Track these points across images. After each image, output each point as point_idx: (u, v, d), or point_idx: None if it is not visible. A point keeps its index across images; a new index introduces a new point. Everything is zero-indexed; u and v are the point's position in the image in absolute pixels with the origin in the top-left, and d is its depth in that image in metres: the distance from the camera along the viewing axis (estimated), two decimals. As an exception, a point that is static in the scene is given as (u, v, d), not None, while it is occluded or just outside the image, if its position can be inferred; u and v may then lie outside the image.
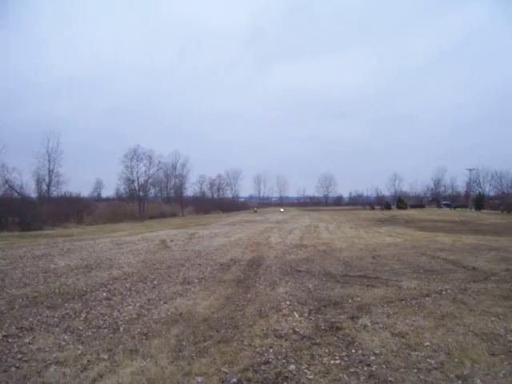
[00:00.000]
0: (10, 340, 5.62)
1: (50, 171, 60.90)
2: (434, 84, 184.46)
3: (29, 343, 5.51)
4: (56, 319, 6.64)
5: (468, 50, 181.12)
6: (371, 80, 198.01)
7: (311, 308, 7.19)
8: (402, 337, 5.57)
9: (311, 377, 4.39)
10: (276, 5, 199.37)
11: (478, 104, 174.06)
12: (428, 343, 5.28)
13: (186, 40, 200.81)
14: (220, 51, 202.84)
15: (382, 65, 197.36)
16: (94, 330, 6.08)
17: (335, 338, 5.61)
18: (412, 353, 4.96)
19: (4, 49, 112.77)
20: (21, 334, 5.88)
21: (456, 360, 4.70)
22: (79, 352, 5.16)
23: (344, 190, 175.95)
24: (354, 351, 5.09)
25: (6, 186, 47.66)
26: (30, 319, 6.62)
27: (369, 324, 6.20)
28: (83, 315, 6.87)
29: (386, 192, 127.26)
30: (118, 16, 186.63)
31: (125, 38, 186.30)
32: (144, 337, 5.75)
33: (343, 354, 5.02)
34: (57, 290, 8.75)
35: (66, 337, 5.77)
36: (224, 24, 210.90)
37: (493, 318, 6.34)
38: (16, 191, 47.98)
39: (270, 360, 4.85)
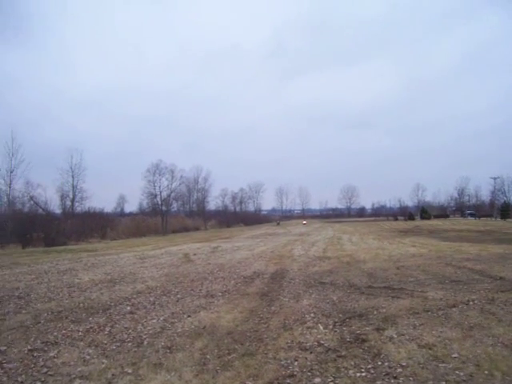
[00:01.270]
0: (35, 354, 5.66)
1: (74, 187, 61.88)
2: (456, 91, 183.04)
3: (54, 357, 5.54)
4: (80, 333, 6.67)
5: (490, 55, 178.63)
6: (392, 90, 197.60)
7: (336, 320, 7.08)
8: (429, 348, 5.44)
9: (337, 390, 4.32)
10: (296, 19, 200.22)
11: (501, 110, 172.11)
12: (456, 355, 5.14)
13: (206, 57, 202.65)
14: (240, 66, 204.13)
15: (402, 74, 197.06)
16: (118, 344, 6.08)
17: (361, 350, 5.50)
18: (440, 365, 4.84)
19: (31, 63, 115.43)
20: (46, 348, 5.91)
21: (486, 372, 4.57)
22: (103, 366, 5.16)
23: (367, 201, 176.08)
24: (380, 363, 4.99)
25: (31, 202, 48.55)
26: (55, 333, 6.66)
27: (395, 336, 6.09)
28: (107, 329, 6.89)
29: (409, 202, 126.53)
30: (137, 35, 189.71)
31: (144, 57, 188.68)
32: (168, 350, 5.73)
33: (369, 366, 4.93)
34: (81, 305, 8.80)
35: (91, 351, 5.78)
36: (244, 39, 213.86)
37: (523, 329, 6.19)
38: (41, 207, 48.76)
39: (295, 373, 4.78)
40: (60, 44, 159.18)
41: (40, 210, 47.76)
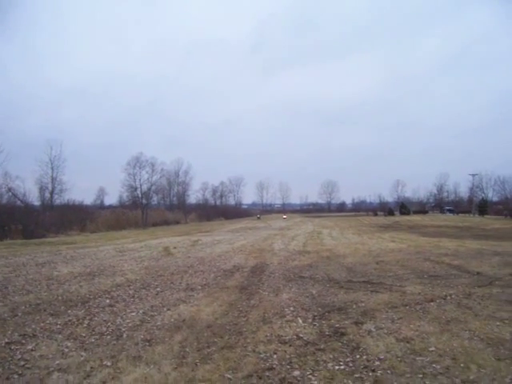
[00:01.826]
0: (12, 347, 5.60)
1: (53, 179, 61.32)
2: (438, 90, 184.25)
3: (31, 350, 5.49)
4: (59, 326, 6.62)
5: (471, 56, 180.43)
6: (374, 86, 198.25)
7: (315, 314, 7.15)
8: (407, 342, 5.53)
9: (316, 383, 4.36)
10: (280, 13, 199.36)
11: (480, 110, 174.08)
12: (433, 348, 5.23)
13: (189, 48, 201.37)
14: (224, 59, 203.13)
15: (386, 71, 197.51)
16: (97, 337, 6.05)
17: (339, 344, 5.57)
18: (417, 358, 4.92)
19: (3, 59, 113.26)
20: (24, 341, 5.86)
21: (462, 365, 4.66)
22: (82, 359, 5.13)
23: (347, 197, 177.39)
24: (358, 357, 5.06)
25: (9, 193, 47.79)
26: (33, 326, 6.60)
27: (373, 329, 6.16)
28: (86, 322, 6.85)
29: (389, 198, 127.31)
30: (121, 24, 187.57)
31: (128, 46, 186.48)
32: (147, 343, 5.73)
33: (348, 359, 4.99)
34: (60, 297, 8.73)
35: (69, 343, 5.75)
36: (228, 32, 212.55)
37: (498, 323, 6.30)
38: (19, 199, 48.09)
39: (274, 366, 4.82)
40: (41, 32, 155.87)
41: (18, 202, 47.12)
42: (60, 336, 6.11)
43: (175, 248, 20.28)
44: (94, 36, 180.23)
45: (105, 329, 6.46)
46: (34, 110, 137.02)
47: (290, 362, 4.92)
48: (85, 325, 6.70)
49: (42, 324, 6.73)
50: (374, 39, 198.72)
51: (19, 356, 5.26)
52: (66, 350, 5.50)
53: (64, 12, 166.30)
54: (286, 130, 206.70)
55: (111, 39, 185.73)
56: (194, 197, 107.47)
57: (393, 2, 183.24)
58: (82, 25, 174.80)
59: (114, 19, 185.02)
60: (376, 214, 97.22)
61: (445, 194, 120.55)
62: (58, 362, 5.03)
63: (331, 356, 5.11)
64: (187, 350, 5.44)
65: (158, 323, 6.73)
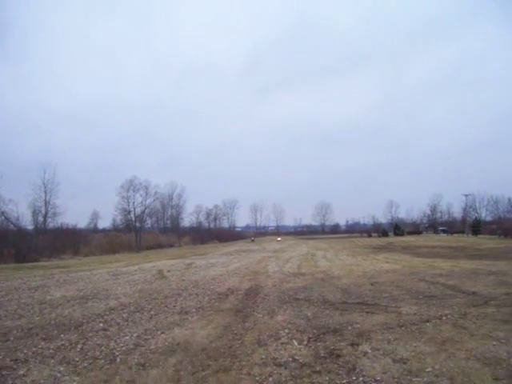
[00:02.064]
0: (3, 372, 5.53)
1: (47, 202, 61.27)
2: (431, 111, 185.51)
3: (23, 375, 5.42)
4: (51, 350, 6.54)
5: (464, 78, 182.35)
6: (368, 108, 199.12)
7: (310, 336, 7.10)
8: (404, 363, 5.50)
9: (312, 405, 4.33)
10: (276, 35, 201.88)
11: (473, 130, 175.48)
12: (430, 369, 5.21)
13: (183, 72, 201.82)
14: (218, 82, 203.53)
15: (379, 93, 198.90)
16: (91, 361, 5.98)
17: (335, 366, 5.53)
18: (414, 379, 4.89)
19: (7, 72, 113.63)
20: (15, 366, 5.79)
21: (459, 385, 4.64)
22: (75, 383, 5.07)
23: (341, 218, 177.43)
24: (354, 378, 5.02)
25: (2, 217, 47.66)
26: (25, 351, 6.53)
27: (369, 350, 6.13)
28: (79, 346, 6.78)
29: (383, 219, 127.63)
30: (115, 49, 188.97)
31: (121, 70, 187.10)
32: (141, 367, 5.67)
33: (344, 381, 4.95)
34: (52, 322, 8.65)
35: (62, 368, 5.68)
36: (222, 55, 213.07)
37: (494, 343, 6.28)
38: (12, 223, 47.95)
39: (270, 389, 4.77)
40: (37, 55, 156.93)
41: (11, 226, 46.95)
42: (52, 361, 6.04)
43: (169, 271, 20.15)
44: (87, 60, 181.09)
45: (98, 353, 6.39)
46: (28, 134, 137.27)
47: (286, 385, 4.88)
48: (78, 349, 6.62)
49: (34, 348, 6.65)
50: (367, 62, 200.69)
51: (10, 382, 5.20)
52: (59, 374, 5.43)
53: (57, 35, 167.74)
54: (279, 152, 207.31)
55: (104, 63, 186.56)
56: (187, 220, 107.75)
57: (386, 25, 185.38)
58: (75, 49, 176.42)
59: (107, 43, 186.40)
60: (370, 236, 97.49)
61: (438, 215, 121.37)
62: (50, 387, 4.97)
63: (327, 378, 5.07)
64: (182, 373, 5.38)
65: (152, 347, 6.66)
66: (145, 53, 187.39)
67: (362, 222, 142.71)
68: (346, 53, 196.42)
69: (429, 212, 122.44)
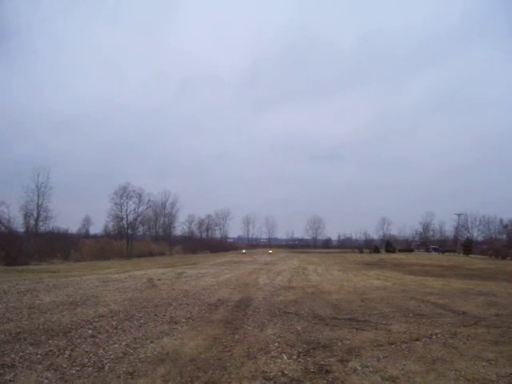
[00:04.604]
0: (-10, 377, 5.48)
1: (39, 206, 61.02)
2: (425, 129, 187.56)
3: (9, 381, 5.37)
4: (39, 356, 6.49)
5: (459, 97, 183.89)
6: (361, 124, 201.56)
7: (300, 350, 7.08)
8: (393, 381, 5.48)
9: (300, 420, 4.31)
10: (276, 51, 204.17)
11: (466, 149, 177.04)
12: (419, 388, 5.20)
13: (183, 82, 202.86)
14: (216, 94, 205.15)
15: (373, 110, 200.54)
16: (79, 368, 5.93)
17: (325, 381, 5.51)
18: (403, 397, 4.89)
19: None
20: (2, 371, 5.72)
21: (447, 406, 4.64)
22: (62, 391, 5.03)
23: (333, 233, 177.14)
24: (343, 395, 5.01)
25: (-7, 219, 47.32)
26: (12, 356, 6.46)
27: (359, 367, 6.11)
28: (67, 352, 6.72)
29: (375, 236, 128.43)
30: (116, 56, 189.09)
31: (121, 78, 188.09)
32: (129, 376, 5.62)
33: (333, 397, 4.94)
34: (41, 327, 8.58)
35: (49, 374, 5.63)
36: (222, 68, 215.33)
37: (484, 363, 6.28)
38: (3, 225, 47.74)
39: (259, 402, 4.75)
40: (33, 61, 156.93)
41: (2, 228, 46.66)
42: (40, 366, 5.99)
43: (159, 280, 20.09)
44: (86, 67, 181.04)
45: (86, 360, 6.34)
46: (22, 138, 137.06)
47: (275, 399, 4.86)
48: (66, 355, 6.57)
49: (21, 353, 6.59)
50: (365, 79, 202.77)
51: (-4, 386, 5.14)
52: (46, 381, 5.38)
53: (60, 42, 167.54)
54: (274, 165, 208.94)
55: (105, 71, 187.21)
56: (179, 229, 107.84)
57: (384, 45, 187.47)
58: (74, 55, 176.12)
59: (109, 52, 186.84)
60: (361, 252, 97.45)
61: (430, 233, 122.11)
62: (36, 393, 4.92)
63: (316, 394, 5.06)
64: (170, 383, 5.35)
65: (141, 356, 6.62)
66: (146, 61, 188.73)
67: (353, 237, 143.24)
68: (343, 70, 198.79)
69: (421, 230, 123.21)
